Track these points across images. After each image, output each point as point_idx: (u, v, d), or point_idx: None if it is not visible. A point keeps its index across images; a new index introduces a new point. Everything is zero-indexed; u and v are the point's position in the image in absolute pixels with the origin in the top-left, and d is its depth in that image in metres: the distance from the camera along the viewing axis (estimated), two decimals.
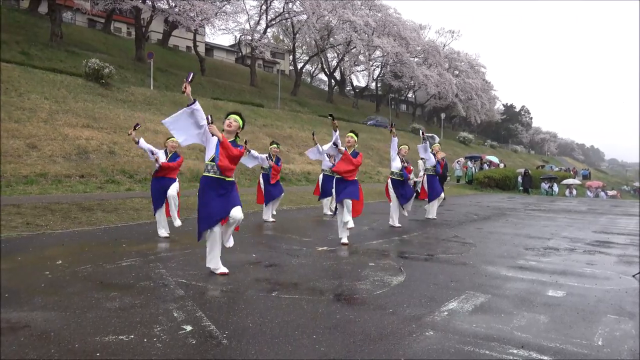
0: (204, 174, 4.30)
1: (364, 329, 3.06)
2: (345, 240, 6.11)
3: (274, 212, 8.37)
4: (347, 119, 31.20)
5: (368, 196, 12.15)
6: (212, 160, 4.22)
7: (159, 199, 6.24)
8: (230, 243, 4.52)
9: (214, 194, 4.22)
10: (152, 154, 6.19)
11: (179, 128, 4.23)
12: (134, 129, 6.09)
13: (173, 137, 6.23)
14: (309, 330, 3.01)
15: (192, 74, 4.14)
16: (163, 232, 6.24)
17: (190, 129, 4.23)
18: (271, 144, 8.38)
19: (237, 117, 4.42)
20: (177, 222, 6.41)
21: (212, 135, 4.18)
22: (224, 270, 4.37)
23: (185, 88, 4.05)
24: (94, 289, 3.77)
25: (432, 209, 9.38)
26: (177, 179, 6.48)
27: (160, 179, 6.24)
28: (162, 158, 6.18)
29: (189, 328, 3.01)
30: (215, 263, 4.39)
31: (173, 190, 6.28)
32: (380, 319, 3.27)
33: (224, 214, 4.25)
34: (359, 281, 4.30)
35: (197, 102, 4.16)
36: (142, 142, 6.26)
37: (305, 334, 2.95)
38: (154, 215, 6.34)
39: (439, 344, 2.86)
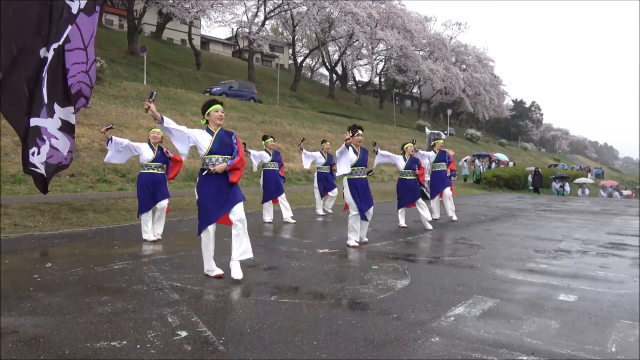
0: (202, 167, 4.20)
1: (366, 335, 2.97)
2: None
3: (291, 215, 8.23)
4: (349, 116, 30.95)
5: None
6: (210, 152, 4.14)
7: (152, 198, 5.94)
8: (239, 274, 4.21)
9: (213, 190, 4.12)
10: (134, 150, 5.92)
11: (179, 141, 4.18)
12: (107, 129, 5.76)
13: (156, 128, 5.96)
14: (310, 336, 2.92)
15: (153, 93, 4.03)
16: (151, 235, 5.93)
17: (178, 136, 4.16)
18: (267, 139, 8.22)
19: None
20: (152, 237, 5.91)
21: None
22: (219, 272, 4.25)
23: (149, 107, 3.92)
24: (85, 293, 3.70)
25: (437, 208, 9.23)
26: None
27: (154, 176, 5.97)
28: (148, 151, 5.91)
29: (184, 334, 2.93)
30: (208, 265, 4.28)
31: (165, 202, 6.03)
32: (384, 325, 3.17)
33: (223, 212, 4.13)
34: (361, 285, 4.20)
35: (164, 119, 4.05)
36: (116, 140, 5.83)
37: (306, 340, 2.86)
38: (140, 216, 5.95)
39: (445, 351, 2.77)
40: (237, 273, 4.20)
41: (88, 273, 4.32)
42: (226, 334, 2.94)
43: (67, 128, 6.94)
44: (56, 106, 6.67)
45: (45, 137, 6.56)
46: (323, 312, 3.41)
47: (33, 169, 6.52)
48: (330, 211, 9.48)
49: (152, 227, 5.96)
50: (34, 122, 6.34)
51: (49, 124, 6.59)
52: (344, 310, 3.47)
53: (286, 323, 3.15)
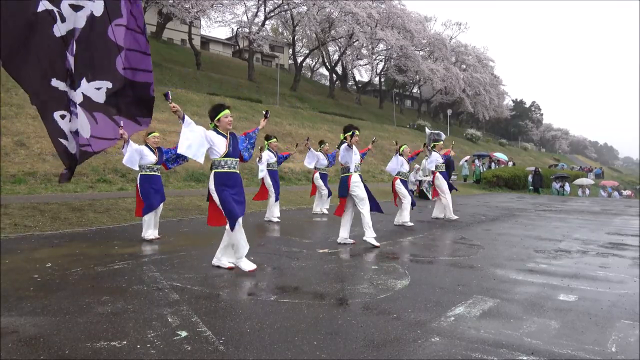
0: (217, 170, 4.37)
1: (366, 335, 2.98)
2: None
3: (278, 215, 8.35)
4: (349, 116, 30.87)
5: None
6: (226, 155, 4.36)
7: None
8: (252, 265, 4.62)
9: (232, 190, 4.37)
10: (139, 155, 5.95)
11: (196, 146, 4.19)
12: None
13: (154, 132, 6.22)
14: (310, 336, 2.92)
15: (168, 93, 4.12)
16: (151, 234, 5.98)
17: (199, 139, 4.24)
18: (270, 139, 8.34)
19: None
20: (151, 236, 5.98)
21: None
22: (252, 266, 4.52)
23: (174, 107, 4.05)
24: (85, 293, 3.70)
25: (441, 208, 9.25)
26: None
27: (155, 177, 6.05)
28: (150, 155, 5.98)
29: (184, 334, 2.93)
30: (241, 259, 4.51)
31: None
32: (384, 325, 3.18)
33: (242, 210, 4.44)
34: (361, 285, 4.21)
35: (185, 117, 4.17)
36: (132, 143, 5.83)
37: (306, 340, 2.86)
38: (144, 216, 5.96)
39: (445, 351, 2.77)
40: (249, 265, 4.53)
41: (88, 273, 4.32)
42: (226, 333, 2.94)
43: (88, 105, 5.88)
44: (83, 81, 5.78)
45: (73, 108, 5.53)
46: (323, 312, 3.41)
47: (61, 140, 5.50)
48: (326, 212, 9.46)
49: (153, 227, 6.03)
50: (56, 83, 5.44)
51: (74, 96, 5.61)
52: (344, 310, 3.46)
53: (286, 323, 3.15)
